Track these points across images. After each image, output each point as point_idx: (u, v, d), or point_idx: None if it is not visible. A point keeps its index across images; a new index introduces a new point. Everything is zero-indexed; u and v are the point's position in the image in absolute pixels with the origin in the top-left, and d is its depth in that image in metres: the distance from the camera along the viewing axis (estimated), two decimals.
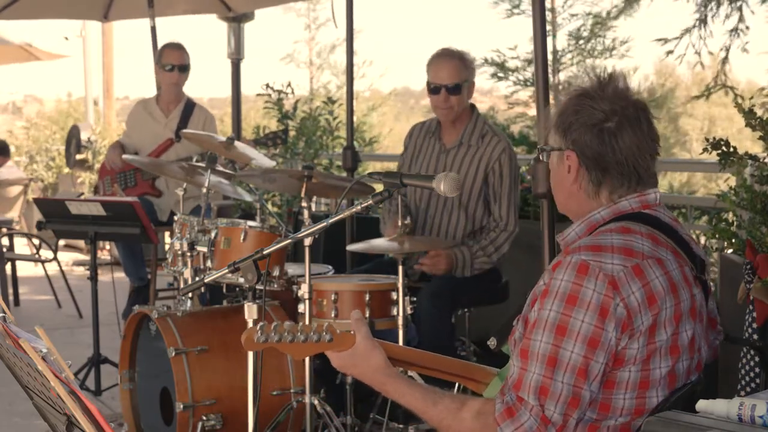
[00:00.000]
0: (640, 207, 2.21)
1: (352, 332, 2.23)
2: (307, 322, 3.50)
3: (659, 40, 6.69)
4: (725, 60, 6.34)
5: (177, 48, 5.97)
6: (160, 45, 6.45)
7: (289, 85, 8.12)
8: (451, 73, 4.19)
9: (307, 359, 3.53)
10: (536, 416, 2.03)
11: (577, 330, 2.03)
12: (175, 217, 4.28)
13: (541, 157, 2.33)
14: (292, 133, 8.09)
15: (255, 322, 3.21)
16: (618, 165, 2.18)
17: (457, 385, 2.77)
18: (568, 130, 2.21)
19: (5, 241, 7.96)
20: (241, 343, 2.20)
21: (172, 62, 5.91)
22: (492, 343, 2.53)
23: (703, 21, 6.35)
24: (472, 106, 4.38)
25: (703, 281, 2.24)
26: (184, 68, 5.94)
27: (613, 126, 2.17)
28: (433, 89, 4.23)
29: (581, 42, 9.90)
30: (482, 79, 10.75)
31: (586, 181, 2.21)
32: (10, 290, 7.74)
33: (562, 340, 2.04)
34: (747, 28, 6.14)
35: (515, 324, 2.26)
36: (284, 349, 2.19)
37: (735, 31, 6.17)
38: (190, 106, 6.04)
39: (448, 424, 2.14)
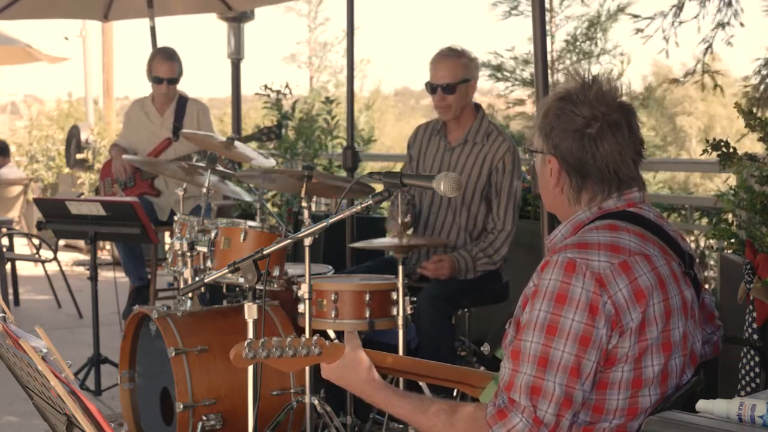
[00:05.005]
0: (625, 205, 2.21)
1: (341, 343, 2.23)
2: (306, 323, 3.50)
3: (632, 15, 6.65)
4: (708, 49, 6.33)
5: (167, 59, 5.93)
6: (158, 46, 6.45)
7: (287, 86, 8.12)
8: (446, 73, 4.24)
9: None
10: (528, 417, 2.01)
11: (567, 329, 2.03)
12: (175, 217, 4.28)
13: (528, 157, 2.34)
14: (291, 133, 8.10)
15: (255, 323, 3.21)
16: (599, 171, 2.17)
17: (455, 391, 2.77)
18: (549, 135, 2.20)
19: (5, 241, 7.96)
20: (238, 347, 2.20)
21: (161, 75, 5.89)
22: (485, 348, 2.52)
23: (679, 8, 6.33)
24: (477, 106, 4.40)
25: (692, 276, 2.23)
26: (173, 81, 5.93)
27: (594, 132, 2.15)
28: (430, 89, 4.29)
29: (578, 43, 9.90)
30: (481, 79, 10.75)
31: (567, 186, 2.22)
32: (10, 290, 7.75)
33: (553, 339, 2.03)
34: (728, 24, 6.14)
35: (507, 327, 2.25)
36: (274, 365, 2.18)
37: (721, 24, 6.16)
38: (182, 101, 6.04)
39: (438, 430, 2.13)
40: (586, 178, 2.19)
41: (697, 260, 2.34)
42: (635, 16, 6.45)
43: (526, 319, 2.09)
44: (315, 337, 2.20)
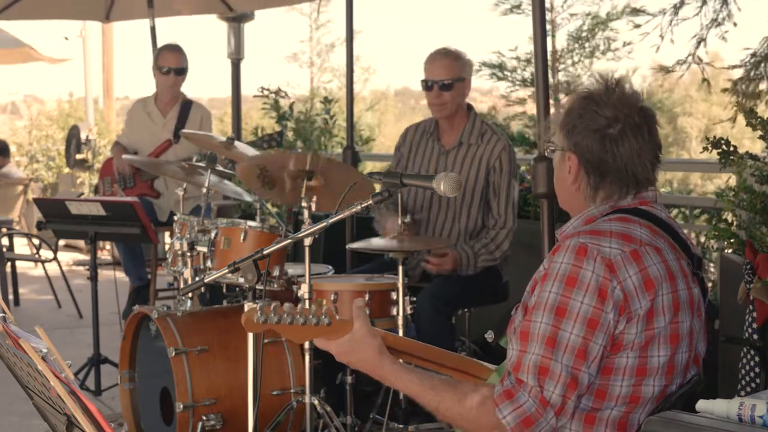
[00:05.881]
0: (637, 203, 2.25)
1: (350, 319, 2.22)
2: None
3: (635, 10, 6.68)
4: (701, 43, 6.34)
5: (174, 50, 5.95)
6: (159, 45, 6.45)
7: (279, 90, 8.10)
8: (443, 71, 4.25)
9: (307, 359, 3.53)
10: (535, 397, 2.04)
11: (576, 311, 2.06)
12: (175, 217, 4.28)
13: (546, 153, 2.38)
14: (290, 134, 8.10)
15: None
16: (617, 171, 2.22)
17: None
18: (571, 132, 2.25)
19: (5, 241, 7.96)
20: (241, 343, 2.20)
21: (169, 65, 5.89)
22: (489, 336, 2.54)
23: (677, 8, 6.34)
24: (469, 107, 4.40)
25: (700, 278, 2.26)
26: (180, 71, 5.92)
27: (615, 133, 2.21)
28: (426, 86, 4.29)
29: (580, 42, 9.88)
30: (482, 79, 10.74)
31: (584, 183, 2.26)
32: (10, 290, 7.74)
33: (562, 321, 2.07)
34: (734, 24, 6.14)
35: (514, 313, 2.27)
36: (283, 331, 2.17)
37: (716, 21, 6.17)
38: (186, 105, 6.03)
39: (446, 407, 2.14)
40: (604, 177, 2.24)
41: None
42: (638, 11, 6.47)
43: (536, 301, 2.12)
44: (325, 308, 2.18)
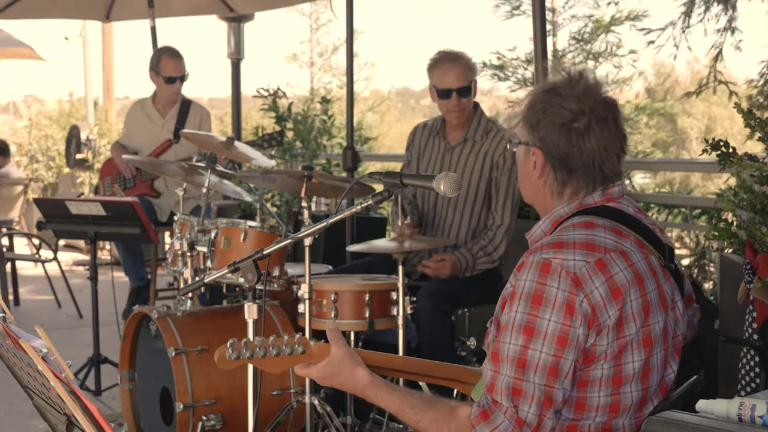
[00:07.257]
0: (603, 200, 2.21)
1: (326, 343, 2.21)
2: (306, 323, 3.50)
3: (642, 29, 6.68)
4: (718, 57, 6.34)
5: (175, 57, 5.94)
6: (159, 46, 6.45)
7: (278, 89, 8.10)
8: (459, 76, 4.21)
9: None
10: (511, 418, 2.03)
11: (544, 330, 2.04)
12: (175, 217, 4.29)
13: (508, 147, 2.34)
14: (289, 134, 8.10)
15: (255, 322, 3.21)
16: (584, 166, 2.18)
17: (455, 391, 2.76)
18: (535, 127, 2.20)
19: (5, 241, 7.97)
20: (222, 349, 2.17)
21: (173, 74, 5.89)
22: (472, 343, 2.53)
23: (687, 15, 6.34)
24: (476, 105, 4.40)
25: (672, 269, 2.23)
26: (184, 78, 5.95)
27: (581, 127, 2.16)
28: (442, 94, 4.24)
29: (582, 43, 9.88)
30: (483, 79, 10.74)
31: (551, 179, 2.21)
32: (10, 290, 7.75)
33: (531, 340, 2.04)
34: (736, 29, 6.15)
35: (489, 326, 2.26)
36: (259, 365, 2.15)
37: (728, 29, 6.17)
38: (185, 105, 6.04)
39: (425, 427, 2.14)
40: (571, 173, 2.19)
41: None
42: (647, 30, 6.47)
43: (505, 321, 2.10)
44: (298, 336, 2.17)
